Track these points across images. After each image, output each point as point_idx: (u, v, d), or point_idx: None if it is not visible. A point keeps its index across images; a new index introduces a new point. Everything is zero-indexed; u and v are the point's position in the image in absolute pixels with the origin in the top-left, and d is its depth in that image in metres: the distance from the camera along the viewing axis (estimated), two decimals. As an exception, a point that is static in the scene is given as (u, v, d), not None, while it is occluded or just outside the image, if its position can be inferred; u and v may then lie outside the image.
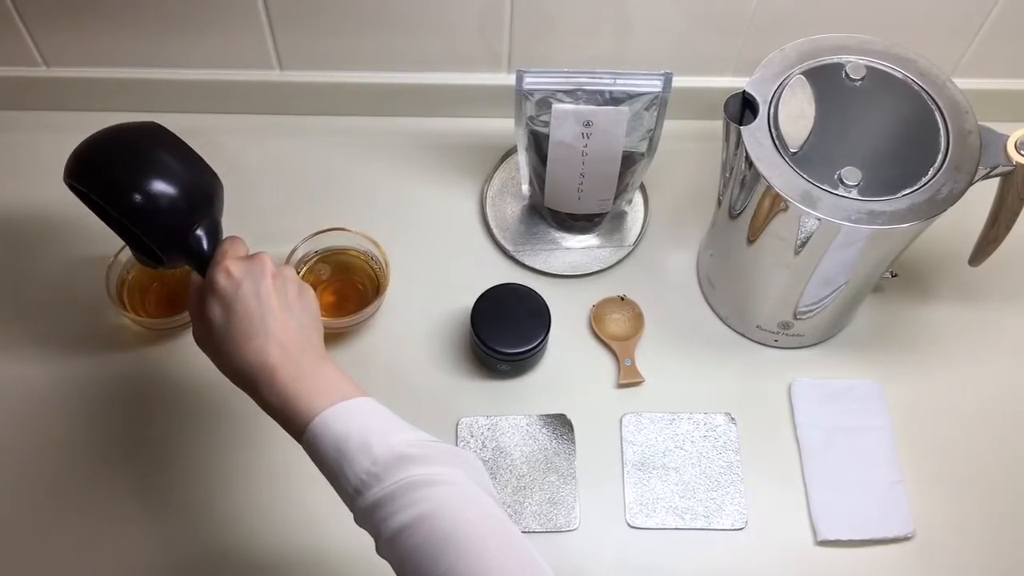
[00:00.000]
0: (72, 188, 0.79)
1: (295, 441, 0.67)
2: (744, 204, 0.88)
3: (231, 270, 0.73)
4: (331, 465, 0.67)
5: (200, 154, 0.80)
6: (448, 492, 0.65)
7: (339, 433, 0.67)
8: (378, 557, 0.66)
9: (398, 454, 0.65)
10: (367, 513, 0.65)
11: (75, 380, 0.97)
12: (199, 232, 0.77)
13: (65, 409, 0.95)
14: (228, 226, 1.03)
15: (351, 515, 0.68)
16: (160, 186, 0.75)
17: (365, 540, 0.67)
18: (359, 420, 0.68)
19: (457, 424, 0.95)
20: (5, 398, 0.95)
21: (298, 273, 0.99)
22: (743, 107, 0.85)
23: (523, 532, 0.90)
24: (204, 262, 0.76)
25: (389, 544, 0.64)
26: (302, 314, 0.74)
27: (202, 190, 0.78)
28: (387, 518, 0.63)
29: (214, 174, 0.80)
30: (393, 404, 0.96)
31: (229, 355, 0.71)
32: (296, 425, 0.68)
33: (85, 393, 0.96)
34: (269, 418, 0.94)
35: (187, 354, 0.98)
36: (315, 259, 1.01)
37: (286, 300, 0.73)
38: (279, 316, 0.72)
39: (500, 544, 0.63)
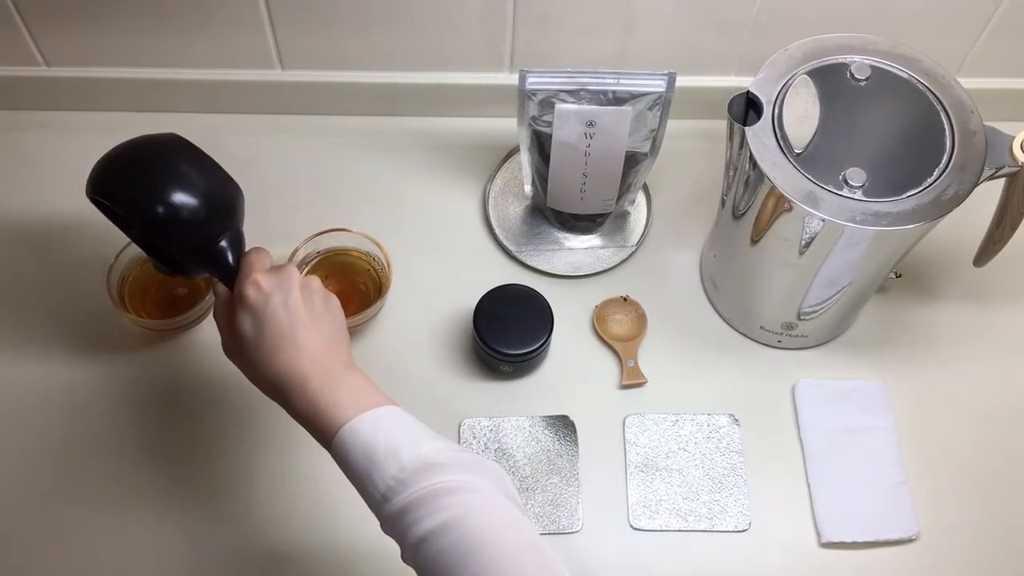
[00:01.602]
0: (95, 202, 0.79)
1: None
2: (748, 204, 0.87)
3: (260, 283, 0.73)
4: (359, 472, 0.67)
5: (217, 153, 0.80)
6: (473, 499, 0.65)
7: (367, 440, 0.68)
8: (401, 563, 0.67)
9: (425, 461, 0.66)
10: (393, 519, 0.65)
11: (75, 381, 0.96)
12: (223, 243, 0.77)
13: (66, 409, 0.95)
14: (229, 226, 1.03)
15: (374, 521, 0.68)
16: (183, 198, 0.75)
17: (373, 538, 0.67)
18: (387, 428, 0.69)
19: (459, 425, 0.95)
20: (5, 398, 0.95)
21: (301, 272, 0.99)
22: (747, 107, 0.85)
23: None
24: (229, 273, 0.77)
25: (414, 550, 0.64)
26: (329, 324, 0.75)
27: (224, 201, 0.78)
28: (412, 524, 0.64)
29: (235, 184, 0.80)
30: (395, 405, 0.96)
31: (259, 366, 0.72)
32: (325, 434, 0.69)
33: (85, 393, 0.96)
34: (269, 418, 0.94)
35: (188, 355, 0.98)
36: (316, 260, 1.01)
37: (313, 311, 0.74)
38: (307, 327, 0.73)
39: (522, 552, 0.64)
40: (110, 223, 1.01)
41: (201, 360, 0.98)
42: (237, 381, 0.96)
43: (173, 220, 0.75)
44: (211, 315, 0.98)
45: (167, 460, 0.93)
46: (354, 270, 1.02)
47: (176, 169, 0.77)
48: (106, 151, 0.80)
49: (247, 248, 0.79)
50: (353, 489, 0.69)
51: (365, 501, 0.68)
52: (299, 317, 0.73)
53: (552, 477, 0.93)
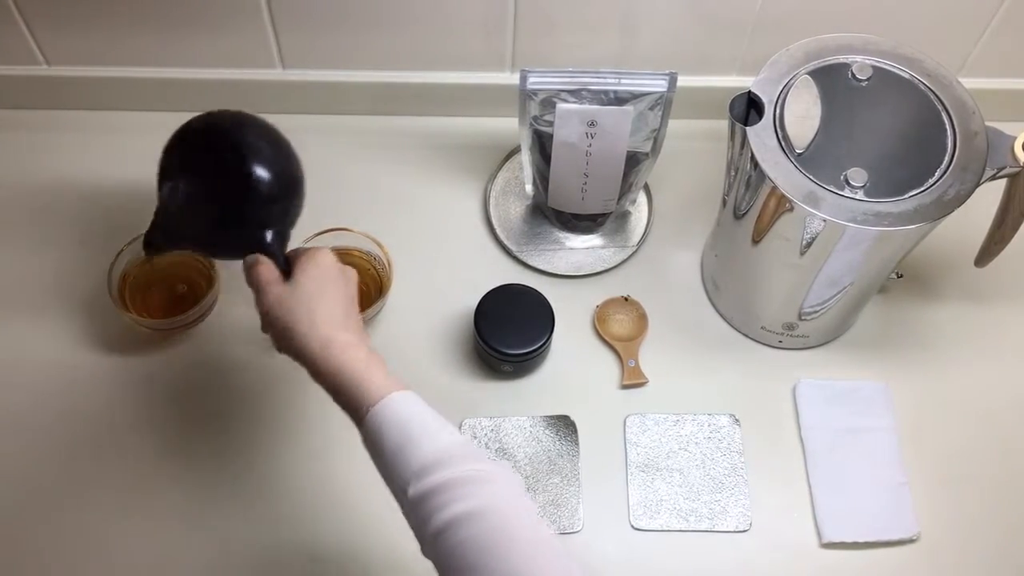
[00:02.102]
0: (178, 145, 0.81)
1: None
2: (749, 204, 0.87)
3: (334, 259, 0.78)
4: (391, 446, 0.68)
5: None
6: (501, 491, 0.66)
7: (404, 417, 0.69)
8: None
9: (458, 448, 0.68)
10: (421, 499, 0.65)
11: (76, 380, 0.96)
12: (272, 233, 0.79)
13: (67, 408, 0.95)
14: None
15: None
16: (281, 174, 0.80)
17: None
18: (422, 410, 0.71)
19: (460, 425, 0.95)
20: (7, 397, 0.95)
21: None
22: (748, 107, 0.85)
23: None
24: (270, 254, 0.78)
25: (438, 534, 0.64)
26: (362, 324, 0.79)
27: (300, 193, 0.82)
28: (442, 507, 0.64)
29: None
30: (396, 405, 0.96)
31: (315, 316, 0.74)
32: (367, 396, 0.70)
33: (86, 393, 0.96)
34: (273, 416, 0.94)
35: (189, 355, 0.98)
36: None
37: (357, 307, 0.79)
38: (357, 314, 0.78)
39: (546, 550, 0.64)
40: (111, 223, 1.01)
41: (202, 358, 0.98)
42: (238, 379, 0.97)
43: (278, 183, 0.79)
44: (210, 316, 0.99)
45: (168, 459, 0.93)
46: (355, 270, 1.02)
47: (279, 147, 0.82)
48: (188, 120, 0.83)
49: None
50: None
51: (390, 478, 0.68)
52: (355, 299, 0.78)
53: (553, 477, 0.93)
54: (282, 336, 0.75)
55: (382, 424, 0.69)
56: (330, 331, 0.73)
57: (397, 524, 0.68)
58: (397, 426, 0.69)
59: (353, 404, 0.71)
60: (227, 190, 0.78)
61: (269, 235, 0.79)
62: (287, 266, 0.78)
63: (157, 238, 0.83)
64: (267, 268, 0.77)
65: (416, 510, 0.66)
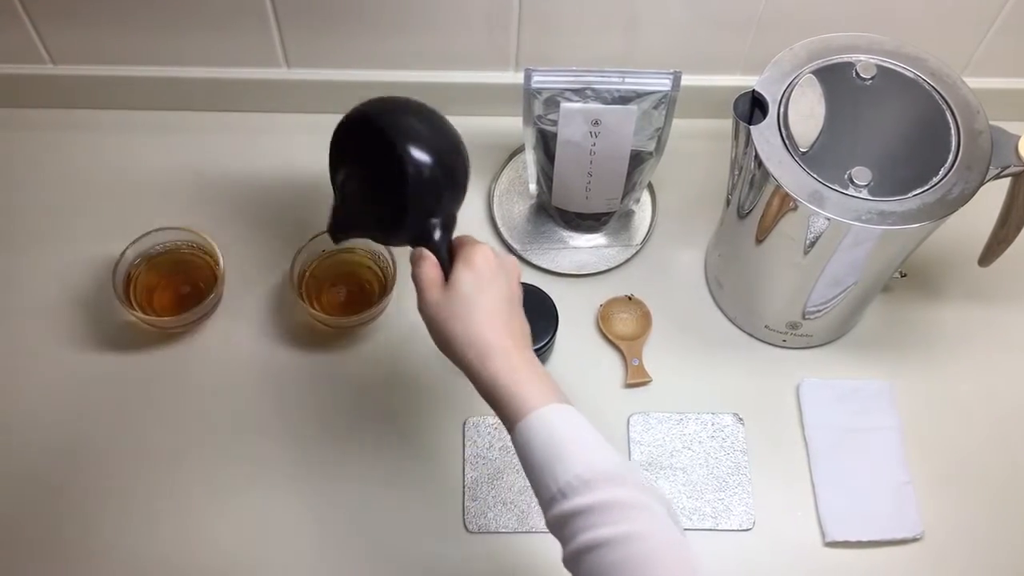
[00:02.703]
0: (344, 133, 0.82)
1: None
2: (753, 203, 0.87)
3: (491, 257, 0.76)
4: (539, 460, 0.67)
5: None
6: (653, 520, 0.65)
7: (553, 430, 0.68)
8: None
9: (607, 472, 0.66)
10: (566, 518, 0.65)
11: (81, 379, 0.96)
12: (438, 219, 0.79)
13: (70, 409, 0.95)
14: (236, 224, 1.04)
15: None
16: (450, 155, 0.80)
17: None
18: (577, 424, 0.70)
19: (464, 423, 0.95)
20: (12, 397, 0.95)
21: (305, 272, 0.99)
22: (752, 106, 0.85)
23: (529, 532, 0.90)
24: (438, 245, 0.78)
25: (579, 554, 0.64)
26: (524, 324, 0.77)
27: (463, 177, 0.82)
28: (583, 530, 0.63)
29: None
30: (401, 403, 0.97)
31: (472, 325, 0.73)
32: (520, 407, 0.69)
33: (91, 392, 0.96)
34: (276, 426, 0.94)
35: (194, 354, 0.98)
36: (321, 258, 1.01)
37: (521, 304, 0.78)
38: (517, 312, 0.76)
39: None
40: (115, 222, 1.01)
41: (204, 358, 0.98)
42: (240, 378, 0.97)
43: (422, 174, 0.77)
44: (214, 315, 0.99)
45: (171, 460, 0.93)
46: (359, 269, 1.02)
47: (437, 132, 0.81)
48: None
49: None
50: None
51: (537, 492, 0.68)
52: (516, 299, 0.77)
53: (556, 476, 0.93)
54: (441, 344, 0.74)
55: (529, 438, 0.68)
56: (488, 338, 0.72)
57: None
58: (544, 442, 0.68)
59: (506, 415, 0.70)
60: (383, 180, 0.78)
61: (432, 224, 0.78)
62: (450, 257, 0.77)
63: (338, 227, 0.83)
64: (427, 268, 0.76)
65: (559, 528, 0.66)
